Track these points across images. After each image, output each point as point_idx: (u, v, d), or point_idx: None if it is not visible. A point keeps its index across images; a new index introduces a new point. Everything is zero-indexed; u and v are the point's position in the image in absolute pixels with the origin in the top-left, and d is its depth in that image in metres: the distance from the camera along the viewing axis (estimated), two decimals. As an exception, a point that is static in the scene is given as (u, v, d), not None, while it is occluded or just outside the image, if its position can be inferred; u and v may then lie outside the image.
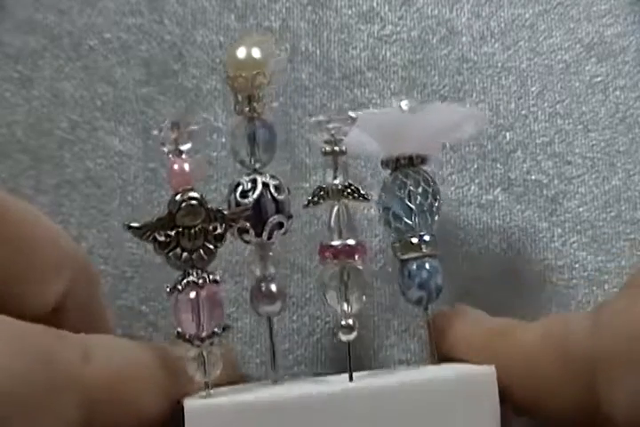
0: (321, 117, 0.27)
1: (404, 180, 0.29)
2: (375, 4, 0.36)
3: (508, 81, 0.35)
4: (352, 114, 0.27)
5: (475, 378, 0.25)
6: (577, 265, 0.33)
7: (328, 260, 0.27)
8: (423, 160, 0.30)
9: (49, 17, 0.36)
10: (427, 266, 0.29)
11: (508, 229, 0.34)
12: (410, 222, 0.29)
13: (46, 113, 0.35)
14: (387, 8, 0.36)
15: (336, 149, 0.27)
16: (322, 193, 0.27)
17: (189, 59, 0.36)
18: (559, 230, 0.34)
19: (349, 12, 0.36)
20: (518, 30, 0.36)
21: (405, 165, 0.29)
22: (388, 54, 0.35)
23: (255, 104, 0.28)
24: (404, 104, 0.30)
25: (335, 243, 0.27)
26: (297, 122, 0.35)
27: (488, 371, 0.25)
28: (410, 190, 0.29)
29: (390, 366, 0.32)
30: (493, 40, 0.36)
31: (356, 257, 0.27)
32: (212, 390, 0.25)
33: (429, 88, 0.35)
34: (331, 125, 0.27)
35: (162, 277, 0.33)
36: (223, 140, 0.35)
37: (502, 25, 0.36)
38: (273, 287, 0.28)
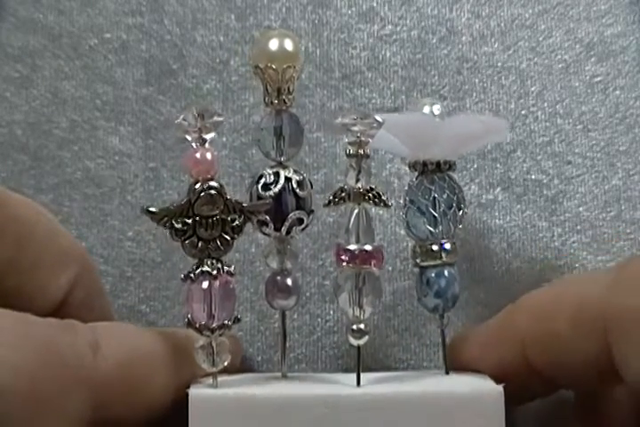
0: (347, 120, 0.26)
1: (429, 186, 0.29)
2: (375, 4, 0.36)
3: (508, 81, 0.35)
4: (378, 117, 0.26)
5: (482, 396, 0.25)
6: (577, 265, 0.33)
7: (343, 263, 0.26)
8: (450, 166, 0.29)
9: (49, 17, 0.36)
10: (445, 274, 0.28)
11: (507, 229, 0.34)
12: (432, 229, 0.28)
13: (46, 113, 0.35)
14: (387, 8, 0.36)
15: (361, 151, 0.26)
16: (343, 194, 0.27)
17: (189, 59, 0.36)
18: (559, 230, 0.34)
19: (349, 11, 0.36)
20: (518, 30, 0.36)
21: (432, 171, 0.29)
22: (388, 54, 0.35)
23: (284, 97, 0.27)
24: (436, 109, 0.30)
25: (352, 247, 0.26)
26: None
27: (496, 389, 0.25)
28: (434, 197, 0.28)
29: (390, 364, 0.32)
30: (493, 40, 0.36)
31: (373, 263, 0.26)
32: (218, 380, 0.25)
33: (429, 88, 0.35)
34: (356, 128, 0.26)
35: (162, 276, 0.33)
36: (224, 139, 0.35)
37: (502, 25, 0.36)
38: (289, 281, 0.28)
